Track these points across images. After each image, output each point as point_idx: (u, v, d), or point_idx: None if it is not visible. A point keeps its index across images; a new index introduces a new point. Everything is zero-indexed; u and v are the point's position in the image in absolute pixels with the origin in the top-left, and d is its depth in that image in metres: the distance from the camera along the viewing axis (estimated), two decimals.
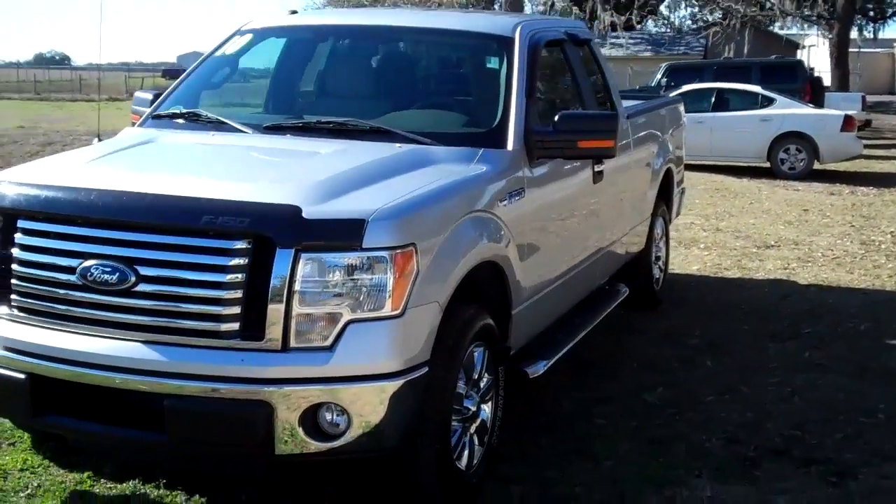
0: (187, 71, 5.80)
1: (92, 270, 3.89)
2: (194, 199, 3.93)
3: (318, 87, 5.93)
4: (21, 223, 4.10)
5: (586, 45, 6.51)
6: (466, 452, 4.47)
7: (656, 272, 8.04)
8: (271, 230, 3.81)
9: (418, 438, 4.13)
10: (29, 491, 4.46)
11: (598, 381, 6.16)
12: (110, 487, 4.52)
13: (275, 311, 3.78)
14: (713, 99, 18.12)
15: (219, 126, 5.12)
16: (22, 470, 4.63)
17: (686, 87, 18.50)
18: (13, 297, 4.11)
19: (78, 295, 3.95)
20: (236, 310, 3.80)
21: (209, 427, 3.84)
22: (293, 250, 3.78)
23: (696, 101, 16.68)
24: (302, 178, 4.22)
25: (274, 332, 3.78)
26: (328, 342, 3.81)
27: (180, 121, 5.30)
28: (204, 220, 3.85)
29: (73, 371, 3.91)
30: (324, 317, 3.82)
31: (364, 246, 3.82)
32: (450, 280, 4.14)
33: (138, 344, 3.88)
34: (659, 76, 23.59)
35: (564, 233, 5.56)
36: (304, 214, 3.83)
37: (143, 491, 4.47)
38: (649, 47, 45.61)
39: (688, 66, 25.63)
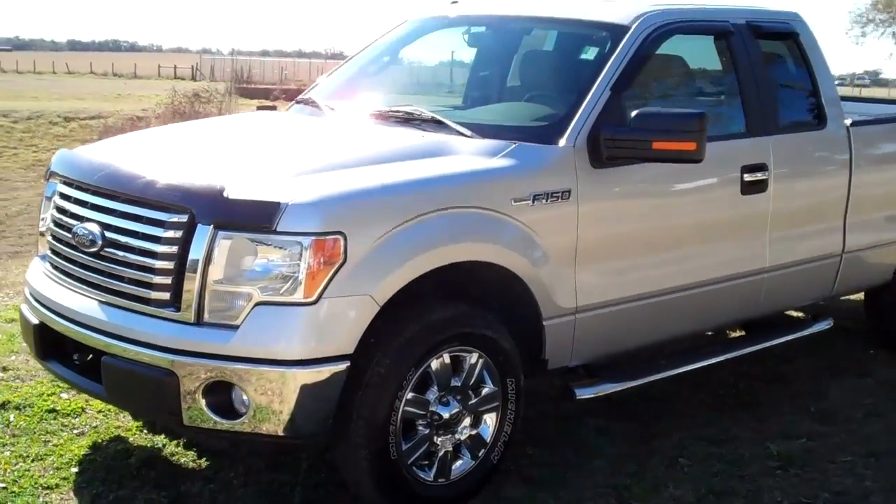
0: (348, 58, 6.01)
1: (78, 231, 4.22)
2: (146, 174, 4.12)
3: (433, 76, 5.83)
4: (58, 187, 4.56)
5: (791, 39, 5.69)
6: (438, 461, 4.21)
7: None
8: (194, 205, 3.88)
9: (344, 435, 3.98)
10: (81, 430, 4.95)
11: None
12: (145, 438, 4.87)
13: (190, 284, 3.86)
14: None
15: (328, 110, 5.29)
16: (83, 412, 5.14)
17: None
18: (47, 251, 4.59)
19: (69, 253, 4.33)
20: (167, 280, 3.92)
21: (131, 387, 4.02)
22: (211, 227, 3.83)
23: None
24: (278, 162, 4.34)
25: (188, 304, 3.86)
26: (237, 321, 3.81)
27: (303, 105, 5.54)
28: (148, 191, 4.03)
29: (59, 322, 4.29)
30: (235, 295, 3.82)
31: (278, 229, 3.77)
32: (394, 276, 3.92)
33: (96, 303, 4.15)
34: None
35: (665, 244, 4.94)
36: (225, 194, 3.86)
37: (164, 444, 4.79)
38: None
39: None
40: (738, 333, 6.37)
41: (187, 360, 3.83)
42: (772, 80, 5.57)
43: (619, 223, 4.71)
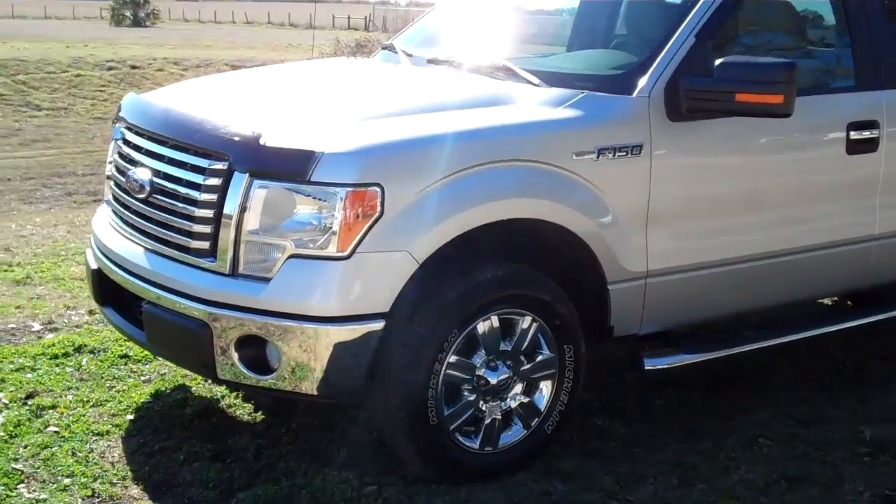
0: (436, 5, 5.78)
1: (131, 176, 4.16)
2: (194, 119, 4.02)
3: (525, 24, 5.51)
4: (122, 131, 4.50)
5: None
6: (485, 429, 4.00)
7: None
8: (231, 152, 3.75)
9: (382, 397, 3.81)
10: (148, 378, 4.95)
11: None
12: (206, 388, 4.83)
13: (226, 234, 3.73)
14: None
15: (404, 56, 5.08)
16: (155, 359, 5.12)
17: None
18: (109, 197, 4.56)
19: (124, 198, 4.27)
20: (207, 229, 3.81)
21: (169, 338, 3.94)
22: (247, 175, 3.69)
23: None
24: (327, 110, 4.20)
25: (224, 255, 3.74)
26: (270, 274, 3.68)
27: (386, 52, 5.35)
28: (193, 137, 3.92)
29: (111, 268, 4.25)
30: (270, 247, 3.69)
31: (312, 180, 3.60)
32: (436, 231, 3.70)
33: (143, 250, 4.09)
34: None
35: (752, 207, 4.54)
36: (262, 140, 3.71)
37: (224, 395, 4.74)
38: None
39: None
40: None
41: (221, 312, 3.72)
42: (891, 29, 5.04)
43: (700, 183, 4.35)
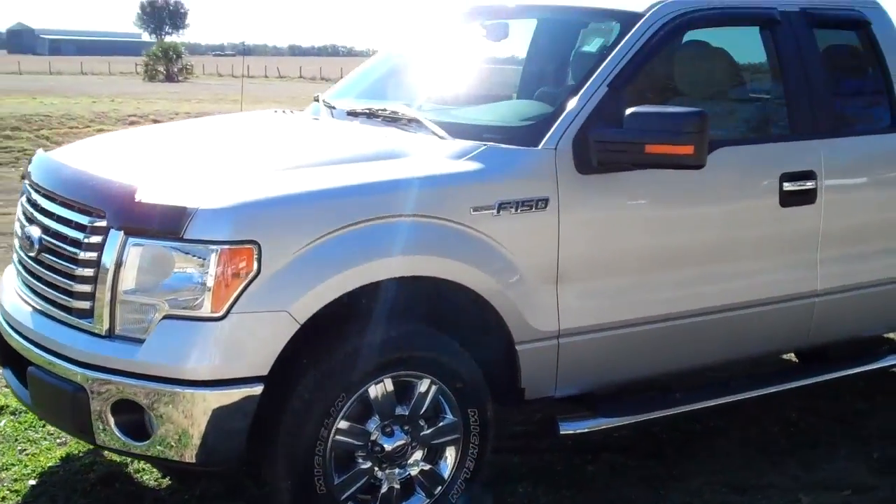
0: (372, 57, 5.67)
1: (25, 233, 4.05)
2: (82, 176, 3.91)
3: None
4: (27, 189, 4.40)
5: (862, 29, 4.96)
6: (381, 498, 3.80)
7: None
8: (108, 209, 3.63)
9: (267, 465, 3.64)
10: (63, 440, 4.80)
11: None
12: None
13: (102, 293, 3.60)
14: None
15: (325, 109, 4.97)
16: None
17: None
18: (13, 257, 4.44)
19: (21, 256, 4.16)
20: (87, 288, 3.67)
21: (50, 400, 3.79)
22: (122, 232, 3.56)
23: None
24: (212, 164, 4.08)
25: (101, 315, 3.60)
26: (145, 335, 3.53)
27: (314, 103, 5.24)
28: (77, 193, 3.81)
29: (6, 328, 4.12)
30: (145, 307, 3.54)
31: (186, 237, 3.46)
32: (318, 291, 3.53)
33: (29, 309, 3.96)
34: None
35: (675, 262, 4.34)
36: (137, 197, 3.58)
37: (132, 460, 4.56)
38: None
39: None
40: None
41: (96, 375, 3.56)
42: (831, 75, 4.86)
43: (615, 238, 4.17)
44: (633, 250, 4.22)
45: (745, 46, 4.77)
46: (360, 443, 3.74)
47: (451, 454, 3.94)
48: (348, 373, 3.64)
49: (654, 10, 4.38)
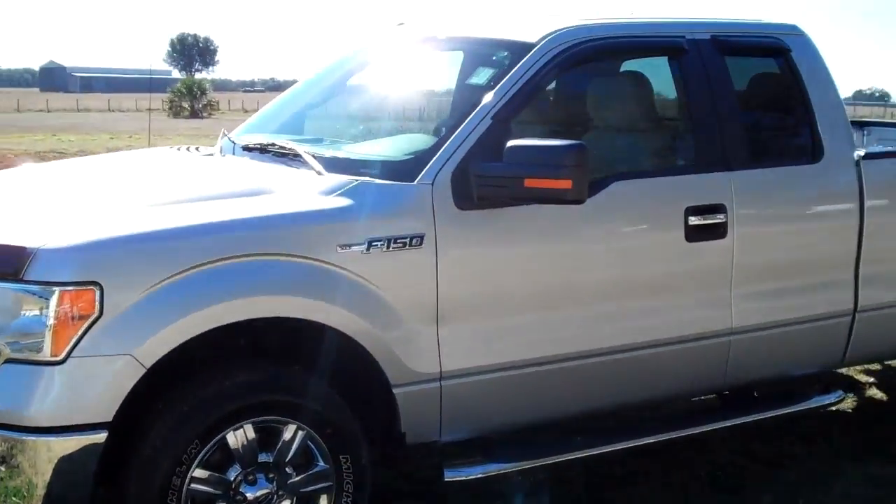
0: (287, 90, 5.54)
1: None
2: None
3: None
4: None
5: (781, 56, 4.79)
6: None
7: None
8: None
9: None
10: None
11: None
12: None
13: None
14: None
15: (227, 144, 4.85)
16: None
17: None
18: None
19: None
20: None
21: None
22: None
23: None
24: (70, 203, 3.97)
25: None
26: None
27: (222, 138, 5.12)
28: None
29: None
30: None
31: (25, 278, 3.33)
32: (167, 333, 3.39)
33: None
34: None
35: (569, 301, 4.16)
36: None
37: None
38: None
39: None
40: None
41: None
42: (748, 105, 4.69)
43: (500, 276, 4.00)
44: (519, 289, 4.05)
45: (651, 75, 4.60)
46: (219, 491, 3.58)
47: (324, 503, 3.77)
48: (202, 418, 3.49)
49: (546, 39, 4.23)
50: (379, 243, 3.72)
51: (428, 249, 3.80)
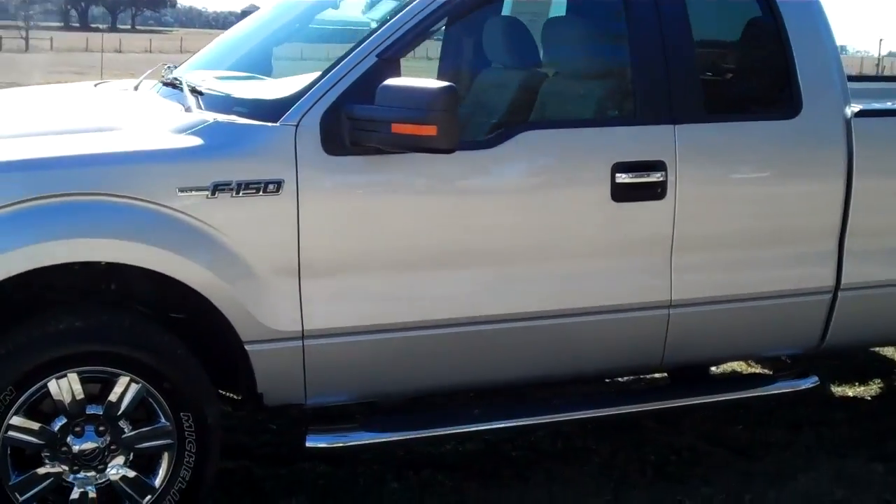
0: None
1: None
2: None
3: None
4: None
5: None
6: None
7: None
8: None
9: None
10: None
11: None
12: None
13: None
14: None
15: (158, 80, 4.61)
16: None
17: None
18: None
19: None
20: None
21: None
22: None
23: None
24: None
25: None
26: None
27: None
28: None
29: None
30: None
31: None
32: None
33: None
34: None
35: (456, 260, 3.75)
36: None
37: None
38: None
39: None
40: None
41: None
42: (705, 46, 4.12)
43: (376, 230, 3.64)
44: (399, 245, 3.68)
45: (584, 11, 4.08)
46: (40, 441, 3.40)
47: (163, 462, 3.55)
48: (18, 365, 3.31)
49: None
50: (226, 188, 3.42)
51: (288, 197, 3.49)
